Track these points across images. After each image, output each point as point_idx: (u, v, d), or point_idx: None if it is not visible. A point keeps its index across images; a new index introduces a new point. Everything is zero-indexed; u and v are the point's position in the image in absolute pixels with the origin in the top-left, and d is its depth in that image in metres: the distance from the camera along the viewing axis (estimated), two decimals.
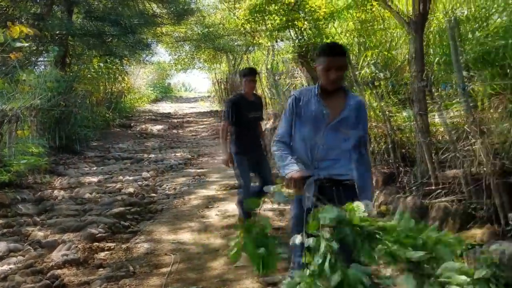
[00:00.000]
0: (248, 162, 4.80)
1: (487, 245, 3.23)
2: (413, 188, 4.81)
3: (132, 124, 16.08)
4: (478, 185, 3.73)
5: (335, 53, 2.58)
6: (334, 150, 2.66)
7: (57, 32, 12.14)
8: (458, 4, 7.02)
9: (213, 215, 5.65)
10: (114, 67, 15.69)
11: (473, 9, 6.37)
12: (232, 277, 3.85)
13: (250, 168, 4.86)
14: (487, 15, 5.97)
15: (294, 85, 9.94)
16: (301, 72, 8.73)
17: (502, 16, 5.62)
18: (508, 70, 4.79)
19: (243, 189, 4.82)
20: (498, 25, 5.58)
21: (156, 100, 28.51)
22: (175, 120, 18.72)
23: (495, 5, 5.93)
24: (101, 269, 4.10)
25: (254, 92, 5.21)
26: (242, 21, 9.97)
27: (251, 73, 4.87)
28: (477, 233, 3.51)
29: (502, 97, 4.69)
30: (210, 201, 6.26)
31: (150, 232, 5.13)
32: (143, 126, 15.88)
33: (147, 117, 18.86)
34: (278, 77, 12.18)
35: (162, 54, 52.77)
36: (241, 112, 4.74)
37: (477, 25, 6.05)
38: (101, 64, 14.37)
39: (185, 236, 4.97)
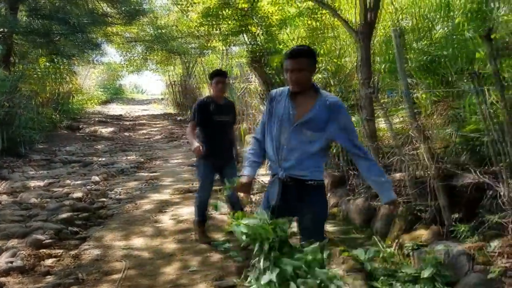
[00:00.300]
0: (212, 167, 4.67)
1: (432, 245, 3.41)
2: (362, 190, 4.99)
3: (80, 126, 15.57)
4: (423, 187, 3.92)
5: (293, 55, 2.62)
6: (297, 151, 2.66)
7: (1, 29, 11.58)
8: (403, 15, 7.36)
9: (166, 220, 5.58)
10: (62, 67, 15.15)
11: (417, 20, 6.69)
12: (186, 282, 3.83)
13: (214, 173, 4.73)
14: (430, 25, 6.30)
15: (248, 89, 10.02)
16: (255, 77, 8.82)
17: (444, 27, 5.95)
18: (450, 78, 5.08)
19: (200, 193, 4.74)
20: (440, 35, 5.90)
21: (106, 102, 27.77)
22: (127, 123, 18.31)
23: (438, 16, 6.27)
24: (48, 277, 3.96)
25: (225, 95, 5.10)
26: (196, 24, 9.94)
27: (217, 75, 4.67)
28: (422, 233, 3.68)
29: (444, 103, 4.97)
30: (164, 206, 6.18)
31: (100, 238, 5.00)
32: (93, 128, 15.43)
33: (96, 119, 18.33)
34: (233, 81, 12.23)
35: (113, 54, 51.54)
36: (207, 115, 4.58)
37: (421, 35, 6.37)
38: (48, 64, 13.84)
39: (137, 241, 4.88)
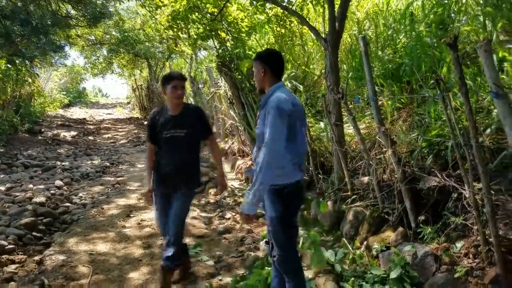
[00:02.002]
0: (164, 196, 3.65)
1: (399, 247, 3.49)
2: (331, 194, 5.07)
3: (42, 130, 15.08)
4: (390, 190, 4.02)
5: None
6: (257, 152, 2.71)
7: None
8: (367, 25, 7.57)
9: (133, 225, 5.47)
10: (24, 68, 14.64)
11: (381, 29, 6.89)
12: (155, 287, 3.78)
13: (168, 205, 3.63)
14: (393, 35, 6.50)
15: (218, 94, 10.00)
16: (224, 81, 8.81)
17: (407, 37, 6.15)
18: (414, 85, 5.25)
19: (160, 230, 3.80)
20: (404, 44, 6.10)
21: (69, 105, 27.06)
22: (91, 126, 17.88)
23: (401, 27, 6.48)
24: (11, 283, 3.83)
25: (188, 102, 4.50)
26: (165, 26, 9.82)
27: (175, 78, 3.51)
28: (389, 235, 3.76)
29: (408, 110, 5.12)
30: (131, 210, 6.06)
31: (65, 243, 4.85)
32: (55, 132, 14.96)
33: (59, 123, 17.80)
34: (202, 85, 12.18)
35: (76, 57, 50.32)
36: (156, 130, 3.61)
37: (385, 43, 6.57)
38: (9, 66, 13.35)
39: (104, 246, 4.77)
